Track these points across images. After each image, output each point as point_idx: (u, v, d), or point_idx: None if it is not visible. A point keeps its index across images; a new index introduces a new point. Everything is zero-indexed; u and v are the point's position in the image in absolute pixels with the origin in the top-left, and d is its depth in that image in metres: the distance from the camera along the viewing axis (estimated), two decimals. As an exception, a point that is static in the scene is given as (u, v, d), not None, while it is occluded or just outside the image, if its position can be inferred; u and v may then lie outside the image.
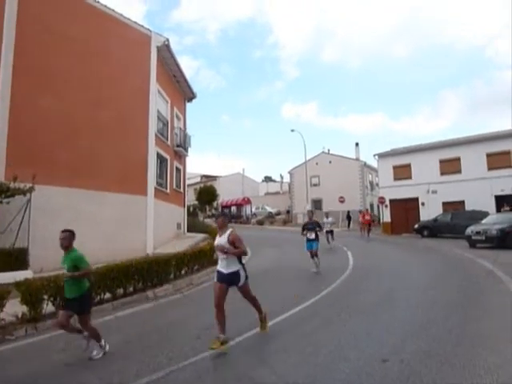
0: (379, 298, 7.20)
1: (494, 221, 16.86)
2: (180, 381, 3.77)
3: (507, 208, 21.73)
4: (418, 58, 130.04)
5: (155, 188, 15.02)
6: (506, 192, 22.59)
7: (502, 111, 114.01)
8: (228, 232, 4.99)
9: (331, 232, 16.47)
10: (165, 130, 17.55)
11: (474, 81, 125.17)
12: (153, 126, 15.02)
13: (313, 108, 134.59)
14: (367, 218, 22.58)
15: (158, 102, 16.03)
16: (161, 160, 16.70)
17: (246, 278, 4.99)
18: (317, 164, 41.65)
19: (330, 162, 41.41)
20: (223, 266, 4.91)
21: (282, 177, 60.33)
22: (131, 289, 8.09)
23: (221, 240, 4.95)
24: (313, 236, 10.56)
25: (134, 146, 14.18)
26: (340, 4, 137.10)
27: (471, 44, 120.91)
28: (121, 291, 7.82)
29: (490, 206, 22.30)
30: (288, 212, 44.08)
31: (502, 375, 3.51)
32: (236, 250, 4.85)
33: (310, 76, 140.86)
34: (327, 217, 16.81)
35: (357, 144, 42.77)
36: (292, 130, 36.88)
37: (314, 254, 10.44)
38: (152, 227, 14.30)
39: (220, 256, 4.97)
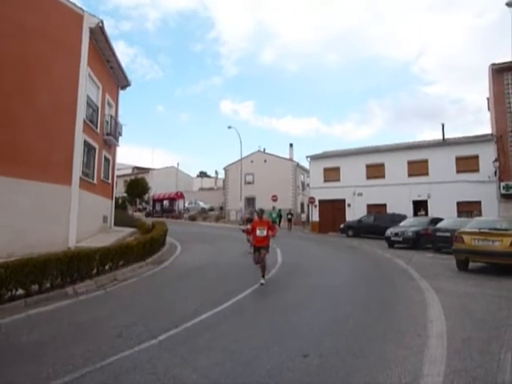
0: (303, 295, 7.46)
1: (410, 224, 18.28)
2: (96, 383, 3.58)
3: (422, 212, 23.70)
4: (349, 68, 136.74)
5: (81, 178, 14.15)
6: (422, 198, 24.65)
7: (422, 123, 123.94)
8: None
9: None
10: (94, 116, 16.58)
11: (399, 94, 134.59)
12: (81, 112, 14.11)
13: (250, 107, 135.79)
14: (260, 233, 8.49)
15: (88, 87, 15.09)
16: (88, 148, 15.76)
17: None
18: (252, 162, 42.08)
19: (265, 160, 42.06)
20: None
21: (217, 173, 60.25)
22: (48, 285, 7.54)
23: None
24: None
25: (59, 132, 13.21)
26: (281, 8, 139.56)
27: (398, 59, 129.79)
28: (36, 287, 7.25)
29: (408, 210, 24.14)
30: (221, 208, 44.04)
31: (408, 366, 3.80)
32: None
33: (249, 75, 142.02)
34: None
35: (291, 145, 44.00)
36: (229, 127, 36.90)
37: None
38: (75, 220, 13.45)
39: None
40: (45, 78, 12.66)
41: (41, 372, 3.82)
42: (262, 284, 8.20)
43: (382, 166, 26.79)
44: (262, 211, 9.07)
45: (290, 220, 30.05)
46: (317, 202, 29.40)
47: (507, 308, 6.13)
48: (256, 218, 8.98)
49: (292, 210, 32.52)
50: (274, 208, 24.82)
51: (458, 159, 23.70)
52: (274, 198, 33.00)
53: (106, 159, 19.08)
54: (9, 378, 3.70)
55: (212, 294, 7.62)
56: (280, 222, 31.30)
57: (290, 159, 42.30)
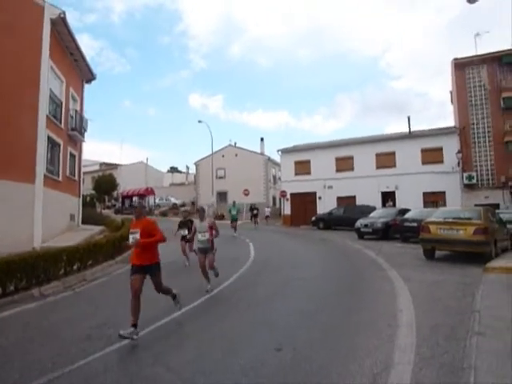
0: (275, 289, 7.48)
1: (379, 215, 18.71)
2: (64, 387, 3.47)
3: (391, 203, 24.34)
4: (318, 62, 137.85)
5: (45, 175, 13.62)
6: (390, 189, 25.31)
7: (389, 117, 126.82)
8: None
9: None
10: (58, 111, 15.97)
11: (366, 88, 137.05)
12: (44, 107, 13.56)
13: (219, 101, 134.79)
14: (132, 239, 5.03)
15: (51, 81, 14.52)
16: (52, 144, 15.19)
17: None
18: (223, 156, 41.85)
19: (236, 155, 41.95)
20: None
21: (187, 168, 59.55)
22: (12, 288, 7.24)
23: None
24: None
25: (20, 128, 12.63)
26: (249, 2, 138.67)
27: (365, 55, 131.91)
28: (-1, 290, 6.95)
29: (377, 201, 24.75)
30: (193, 203, 43.63)
31: (379, 355, 3.89)
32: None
33: (218, 69, 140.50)
34: None
35: (262, 139, 44.07)
36: (199, 121, 36.50)
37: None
38: (40, 219, 12.95)
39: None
40: (3, 71, 12.06)
41: (7, 379, 3.66)
42: (131, 339, 4.53)
43: (350, 158, 27.26)
44: (141, 205, 5.84)
45: (255, 216, 26.12)
46: (288, 196, 29.63)
47: (471, 294, 6.38)
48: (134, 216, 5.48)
49: (257, 205, 28.07)
50: (234, 204, 20.51)
51: (423, 151, 24.46)
52: (246, 193, 32.98)
53: (72, 155, 18.47)
54: (-30, 387, 3.53)
55: (184, 291, 7.47)
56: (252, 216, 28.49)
57: (261, 153, 42.39)
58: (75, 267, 9.05)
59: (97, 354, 4.19)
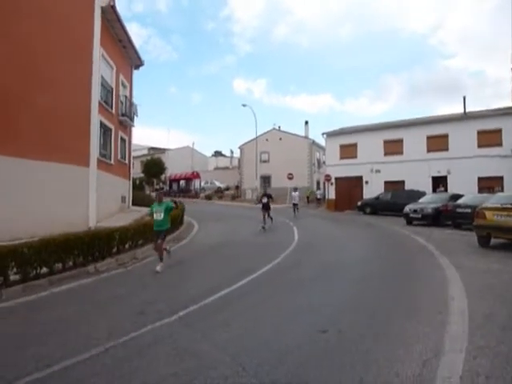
0: (320, 271, 7.45)
1: (429, 200, 17.97)
2: (119, 356, 3.66)
3: (442, 188, 23.27)
4: (362, 42, 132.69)
5: (98, 159, 14.29)
6: (442, 173, 24.15)
7: (439, 98, 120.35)
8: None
9: None
10: (109, 97, 16.59)
11: (415, 68, 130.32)
12: (96, 93, 14.12)
13: (263, 85, 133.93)
14: None
15: (102, 68, 15.06)
16: (104, 129, 15.85)
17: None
18: (267, 140, 41.76)
19: (281, 138, 41.69)
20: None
21: (232, 152, 60.12)
22: (70, 263, 7.73)
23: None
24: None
25: (75, 114, 13.25)
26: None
27: (414, 32, 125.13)
28: (59, 266, 7.44)
29: (427, 186, 23.72)
30: (237, 187, 44.15)
31: (429, 342, 3.77)
32: None
33: (262, 53, 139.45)
34: None
35: (306, 122, 43.40)
36: (243, 105, 36.59)
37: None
38: (95, 200, 13.66)
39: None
40: (58, 59, 12.62)
41: (66, 347, 3.92)
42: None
43: (400, 141, 26.23)
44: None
45: (265, 205, 15.69)
46: (333, 180, 29.15)
47: (530, 284, 6.00)
48: None
49: (268, 189, 19.58)
50: (160, 198, 8.68)
51: (479, 133, 23.01)
52: (290, 177, 32.81)
53: (122, 140, 19.19)
54: (33, 352, 3.80)
55: (229, 271, 7.69)
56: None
57: (306, 137, 41.83)
58: (127, 246, 9.49)
59: (148, 327, 4.39)
